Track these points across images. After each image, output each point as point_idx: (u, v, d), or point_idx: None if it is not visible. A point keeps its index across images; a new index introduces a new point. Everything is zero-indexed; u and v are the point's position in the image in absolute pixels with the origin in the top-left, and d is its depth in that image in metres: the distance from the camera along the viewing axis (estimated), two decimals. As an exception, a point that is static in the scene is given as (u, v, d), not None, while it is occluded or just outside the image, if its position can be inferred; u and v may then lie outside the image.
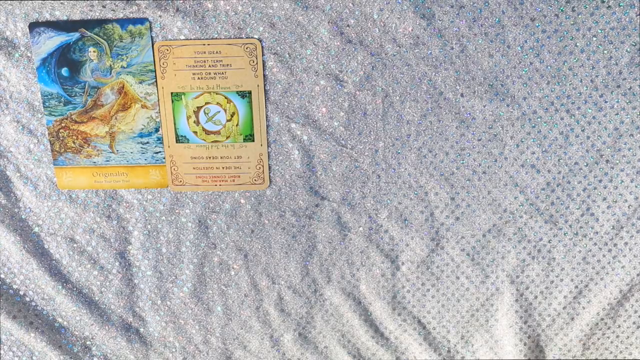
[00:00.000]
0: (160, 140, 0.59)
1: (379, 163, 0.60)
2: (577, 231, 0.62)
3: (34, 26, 0.55)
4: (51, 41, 0.56)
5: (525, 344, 0.66)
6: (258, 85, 0.57)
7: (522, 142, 0.59)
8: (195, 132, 0.59)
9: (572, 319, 0.66)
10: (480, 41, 0.56)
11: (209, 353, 0.67)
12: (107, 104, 0.58)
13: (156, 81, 0.57)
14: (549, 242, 0.63)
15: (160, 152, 0.60)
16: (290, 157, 0.60)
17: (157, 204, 0.62)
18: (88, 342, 0.66)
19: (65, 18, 0.55)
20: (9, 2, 0.55)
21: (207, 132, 0.59)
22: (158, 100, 0.58)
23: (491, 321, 0.67)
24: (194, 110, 0.59)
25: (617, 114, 0.58)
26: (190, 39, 0.56)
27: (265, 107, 0.58)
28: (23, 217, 0.62)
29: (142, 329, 0.66)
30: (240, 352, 0.67)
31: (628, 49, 0.55)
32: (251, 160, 0.60)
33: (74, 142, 0.60)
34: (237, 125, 0.59)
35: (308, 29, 0.56)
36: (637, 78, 0.56)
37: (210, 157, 0.60)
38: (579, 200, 0.61)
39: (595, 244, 0.62)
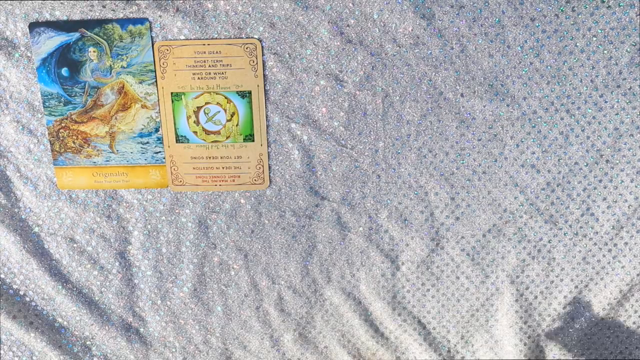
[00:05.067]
0: (160, 140, 0.59)
1: (379, 163, 0.60)
2: (577, 231, 0.62)
3: (34, 26, 0.55)
4: (51, 41, 0.56)
5: (525, 344, 0.66)
6: (258, 85, 0.57)
7: (522, 142, 0.59)
8: (195, 132, 0.59)
9: (572, 319, 0.66)
10: (480, 41, 0.56)
11: (209, 353, 0.67)
12: (107, 104, 0.58)
13: (156, 81, 0.57)
14: (549, 242, 0.63)
15: (160, 152, 0.60)
16: (290, 157, 0.60)
17: (157, 204, 0.62)
18: (88, 342, 0.66)
19: (65, 18, 0.55)
20: (9, 2, 0.55)
21: (207, 132, 0.59)
22: (158, 100, 0.58)
23: (491, 321, 0.67)
24: (194, 110, 0.59)
25: (617, 114, 0.58)
26: (190, 39, 0.56)
27: (265, 107, 0.58)
28: (23, 217, 0.62)
29: (142, 329, 0.66)
30: (240, 352, 0.67)
31: (628, 49, 0.55)
32: (251, 160, 0.60)
33: (74, 142, 0.60)
34: (237, 125, 0.59)
35: (308, 29, 0.56)
36: (637, 78, 0.56)
37: (210, 157, 0.60)
38: (579, 200, 0.61)
39: (595, 244, 0.62)
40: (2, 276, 0.64)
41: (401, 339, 0.67)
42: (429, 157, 0.60)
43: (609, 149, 0.59)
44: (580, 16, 0.55)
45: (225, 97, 0.58)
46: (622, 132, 0.58)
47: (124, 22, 0.55)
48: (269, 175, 0.61)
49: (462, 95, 0.58)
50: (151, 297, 0.65)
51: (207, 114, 0.59)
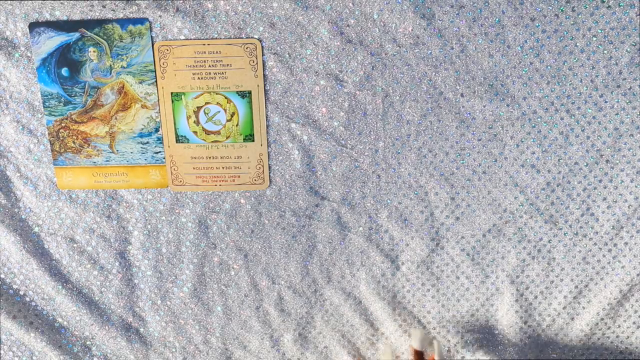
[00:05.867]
0: (160, 140, 0.59)
1: (379, 163, 0.60)
2: (577, 231, 0.62)
3: (34, 26, 0.55)
4: (51, 41, 0.56)
5: (525, 344, 0.66)
6: (258, 85, 0.57)
7: (522, 142, 0.59)
8: (195, 132, 0.59)
9: (572, 319, 0.66)
10: (480, 41, 0.56)
11: (209, 353, 0.67)
12: (107, 104, 0.58)
13: (156, 81, 0.57)
14: (549, 242, 0.63)
15: (160, 152, 0.60)
16: (290, 157, 0.60)
17: (157, 204, 0.62)
18: (88, 342, 0.66)
19: (65, 18, 0.55)
20: (9, 2, 0.55)
21: (207, 132, 0.59)
22: (158, 100, 0.58)
23: (491, 321, 0.67)
24: (194, 110, 0.59)
25: (617, 114, 0.58)
26: (190, 39, 0.56)
27: (265, 107, 0.58)
28: (23, 217, 0.62)
29: (142, 329, 0.66)
30: (240, 352, 0.67)
31: (628, 49, 0.55)
32: (251, 160, 0.60)
33: (74, 142, 0.60)
34: (237, 125, 0.59)
35: (308, 29, 0.56)
36: (637, 78, 0.56)
37: (210, 157, 0.60)
38: (579, 200, 0.61)
39: (595, 244, 0.62)
40: (2, 276, 0.64)
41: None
42: (429, 157, 0.60)
43: (609, 149, 0.59)
44: (580, 16, 0.55)
45: (225, 97, 0.58)
46: (622, 132, 0.58)
47: (124, 22, 0.55)
48: (269, 175, 0.61)
49: (462, 95, 0.58)
50: (151, 297, 0.65)
51: (207, 114, 0.59)
